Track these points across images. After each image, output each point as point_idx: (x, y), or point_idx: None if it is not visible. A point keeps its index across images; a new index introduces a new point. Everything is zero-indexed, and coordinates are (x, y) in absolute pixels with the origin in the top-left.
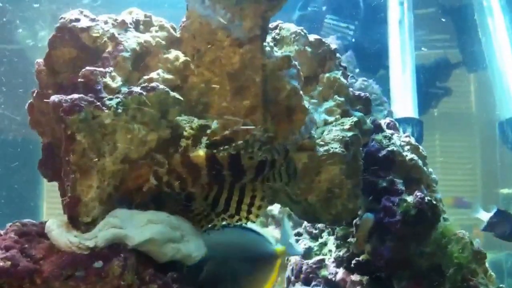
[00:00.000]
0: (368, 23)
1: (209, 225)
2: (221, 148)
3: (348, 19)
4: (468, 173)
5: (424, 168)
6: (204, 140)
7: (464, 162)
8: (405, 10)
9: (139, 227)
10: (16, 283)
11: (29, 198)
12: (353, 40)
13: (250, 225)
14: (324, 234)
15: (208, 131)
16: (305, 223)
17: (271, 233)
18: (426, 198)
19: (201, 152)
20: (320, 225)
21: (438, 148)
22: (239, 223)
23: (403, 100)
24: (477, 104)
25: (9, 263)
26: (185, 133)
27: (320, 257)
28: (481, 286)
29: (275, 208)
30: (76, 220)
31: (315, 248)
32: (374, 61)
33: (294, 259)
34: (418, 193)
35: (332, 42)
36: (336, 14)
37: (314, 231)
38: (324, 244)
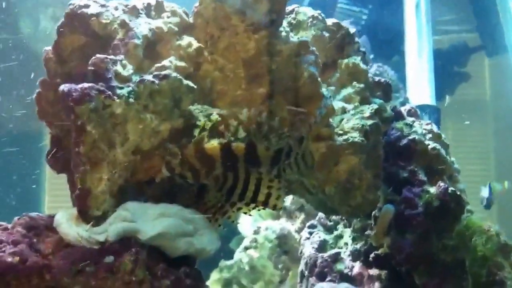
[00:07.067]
0: (382, 7)
1: (224, 217)
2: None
3: (361, 3)
4: (482, 162)
5: (447, 157)
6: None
7: (478, 151)
8: None
9: (151, 220)
10: (25, 279)
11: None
12: (367, 24)
13: None
14: (340, 227)
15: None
16: (320, 214)
17: None
18: (449, 188)
19: (215, 143)
20: (335, 217)
21: (450, 136)
22: (255, 210)
23: (419, 86)
24: (492, 91)
25: (17, 258)
26: (199, 123)
27: (336, 250)
28: (508, 281)
29: (287, 200)
30: (86, 213)
31: (330, 241)
32: (389, 46)
33: (308, 252)
34: (441, 184)
35: None
36: None
37: (329, 223)
38: (340, 236)
